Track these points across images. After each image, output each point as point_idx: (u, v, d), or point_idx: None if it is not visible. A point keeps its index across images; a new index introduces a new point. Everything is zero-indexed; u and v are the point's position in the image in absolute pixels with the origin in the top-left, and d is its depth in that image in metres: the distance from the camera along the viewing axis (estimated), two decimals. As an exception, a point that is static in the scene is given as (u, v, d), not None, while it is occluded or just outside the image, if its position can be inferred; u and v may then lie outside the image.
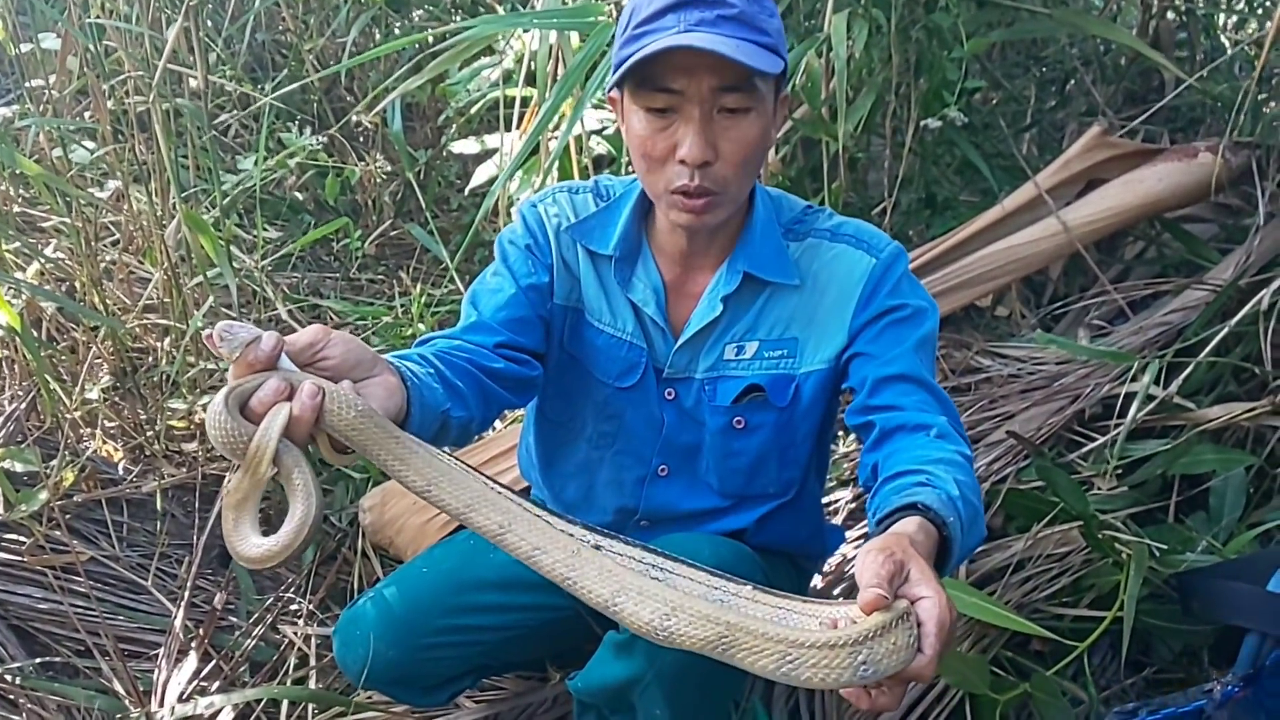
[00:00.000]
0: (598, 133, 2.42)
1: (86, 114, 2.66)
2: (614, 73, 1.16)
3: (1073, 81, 3.13)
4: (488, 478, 0.99)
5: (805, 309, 1.28)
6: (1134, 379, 2.10)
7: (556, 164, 2.14)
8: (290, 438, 0.90)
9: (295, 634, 1.86)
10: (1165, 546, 1.73)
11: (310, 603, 1.93)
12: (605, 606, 0.88)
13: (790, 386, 1.30)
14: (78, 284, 2.36)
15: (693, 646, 0.85)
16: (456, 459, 0.98)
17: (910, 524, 0.93)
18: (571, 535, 0.95)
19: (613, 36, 1.98)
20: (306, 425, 0.89)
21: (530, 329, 1.31)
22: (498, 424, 2.34)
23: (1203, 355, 2.08)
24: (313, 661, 1.82)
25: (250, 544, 0.90)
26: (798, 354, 1.29)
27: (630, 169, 1.39)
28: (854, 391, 1.25)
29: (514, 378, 1.26)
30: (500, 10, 2.94)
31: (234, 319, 0.94)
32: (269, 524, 0.92)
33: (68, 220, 2.29)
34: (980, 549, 1.88)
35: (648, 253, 1.31)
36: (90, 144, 2.49)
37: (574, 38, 2.14)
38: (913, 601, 0.83)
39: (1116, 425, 2.05)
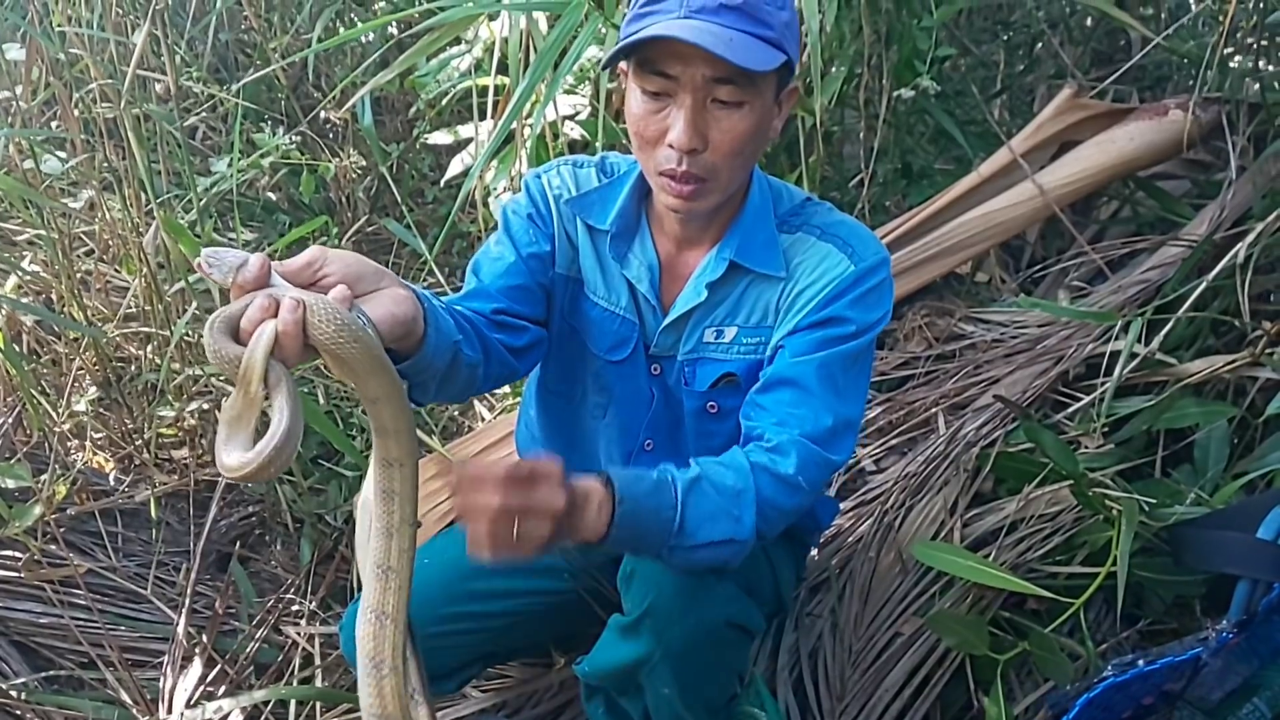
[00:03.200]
0: (571, 118, 2.41)
1: (54, 123, 2.63)
2: (615, 49, 1.16)
3: (1041, 44, 3.14)
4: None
5: (783, 299, 1.28)
6: (1116, 338, 2.13)
7: (531, 151, 2.13)
8: (282, 355, 0.89)
9: (298, 634, 1.87)
10: (1154, 501, 1.76)
11: (311, 602, 1.93)
12: (380, 570, 1.06)
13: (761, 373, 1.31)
14: (56, 296, 2.34)
15: None
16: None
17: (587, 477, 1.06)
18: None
19: (585, 17, 1.99)
20: (294, 339, 0.88)
21: (530, 297, 1.31)
22: (487, 414, 2.35)
23: (1182, 311, 2.11)
24: (317, 660, 1.82)
25: (233, 456, 0.90)
26: (770, 341, 1.29)
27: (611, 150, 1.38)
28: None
29: (511, 346, 1.27)
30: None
31: (224, 245, 0.95)
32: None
33: (42, 232, 2.27)
34: (972, 512, 1.91)
35: (646, 230, 1.31)
36: (61, 154, 2.46)
37: (543, 23, 2.13)
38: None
39: (1101, 384, 2.07)
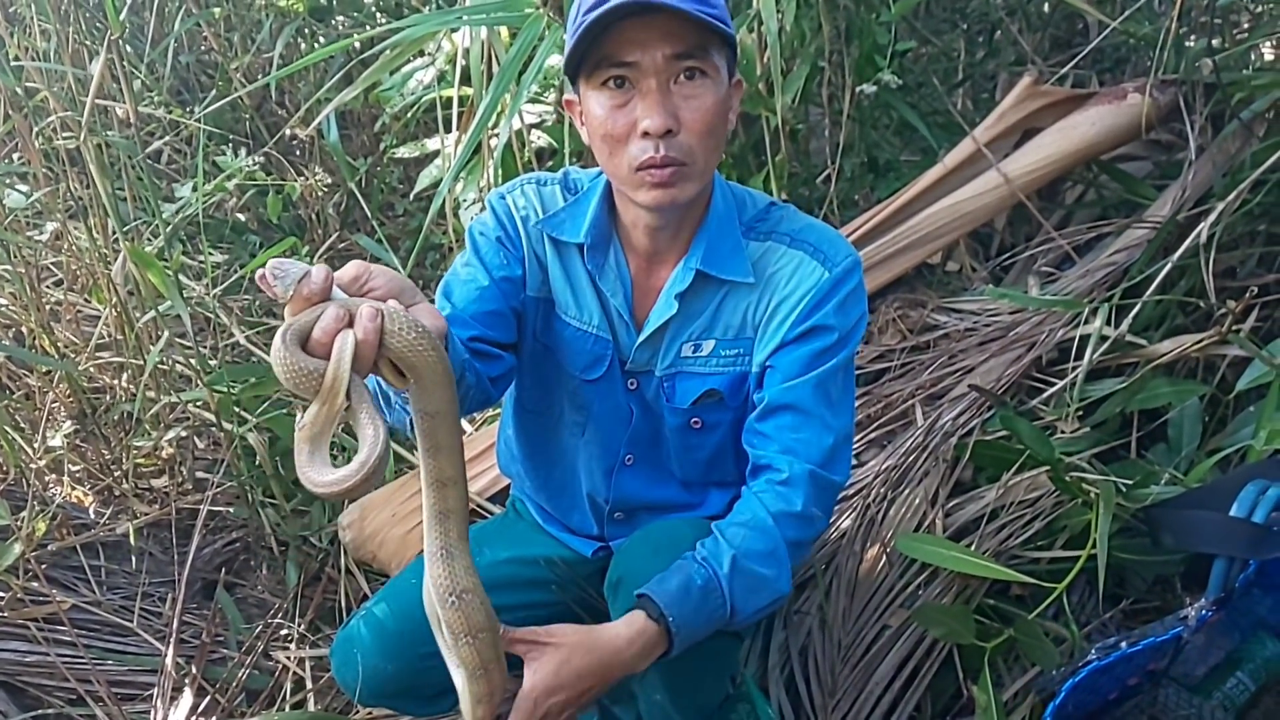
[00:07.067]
0: (537, 126, 2.41)
1: (15, 155, 2.61)
2: (566, 58, 1.16)
3: (999, 32, 3.17)
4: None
5: (759, 309, 1.29)
6: (1086, 322, 2.15)
7: (499, 161, 2.14)
8: (356, 364, 0.89)
9: (288, 658, 1.86)
10: (1130, 482, 1.78)
11: (300, 626, 1.93)
12: (451, 594, 1.03)
13: (744, 386, 1.32)
14: (25, 329, 2.32)
15: None
16: None
17: (630, 618, 1.14)
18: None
19: (546, 28, 1.99)
20: (371, 348, 0.89)
21: (503, 322, 1.31)
22: (468, 427, 2.34)
23: (1149, 294, 2.14)
24: (309, 684, 1.82)
25: (326, 474, 0.90)
26: (751, 353, 1.31)
27: (582, 162, 1.39)
28: (755, 404, 1.30)
29: (487, 372, 1.27)
30: (425, 11, 2.91)
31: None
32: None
33: (9, 266, 2.25)
34: (953, 502, 1.93)
35: (617, 245, 1.31)
36: (23, 187, 2.43)
37: (504, 33, 2.13)
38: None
39: (1074, 368, 2.10)
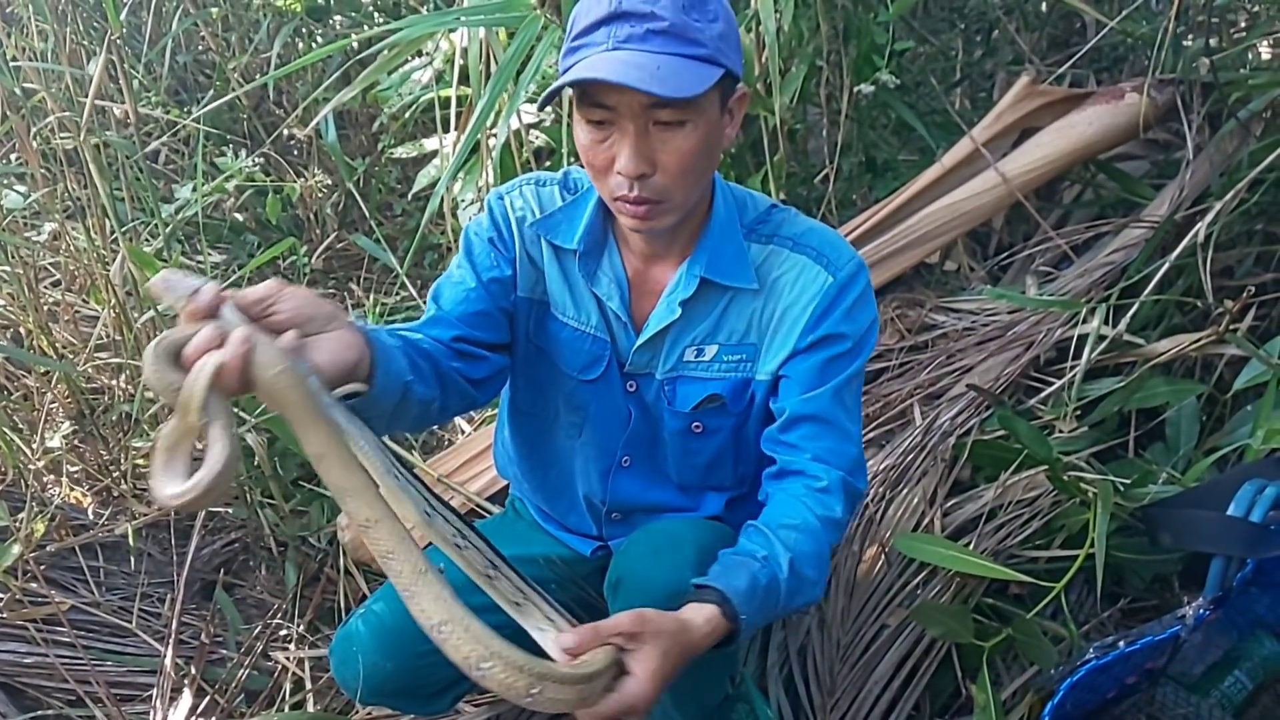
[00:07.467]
0: (535, 126, 2.42)
1: (13, 156, 2.60)
2: (549, 90, 1.16)
3: (997, 31, 3.17)
4: (411, 478, 1.04)
5: (763, 316, 1.29)
6: (1084, 321, 2.16)
7: (498, 161, 2.14)
8: (222, 387, 0.89)
9: (287, 659, 1.86)
10: (1128, 481, 1.79)
11: (299, 626, 1.93)
12: (431, 629, 0.93)
13: (748, 392, 1.32)
14: (24, 330, 2.32)
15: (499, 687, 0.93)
16: (391, 458, 1.01)
17: (706, 610, 1.08)
18: (423, 551, 0.96)
19: (543, 29, 1.99)
20: (232, 374, 0.88)
21: (491, 323, 1.32)
22: (467, 427, 2.35)
23: (1146, 293, 2.14)
24: (308, 684, 1.82)
25: (167, 487, 0.90)
26: (755, 359, 1.30)
27: (580, 161, 1.39)
28: (774, 415, 1.30)
29: (469, 377, 1.28)
30: (423, 12, 2.91)
31: (189, 271, 0.95)
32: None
33: (7, 267, 2.25)
34: (951, 501, 1.93)
35: (613, 246, 1.31)
36: (21, 188, 2.43)
37: (502, 32, 2.13)
38: (617, 676, 0.99)
39: (1072, 367, 2.10)
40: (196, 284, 0.91)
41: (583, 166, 1.23)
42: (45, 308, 2.37)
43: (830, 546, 1.24)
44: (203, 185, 2.53)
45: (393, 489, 1.00)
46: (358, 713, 1.71)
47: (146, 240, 2.61)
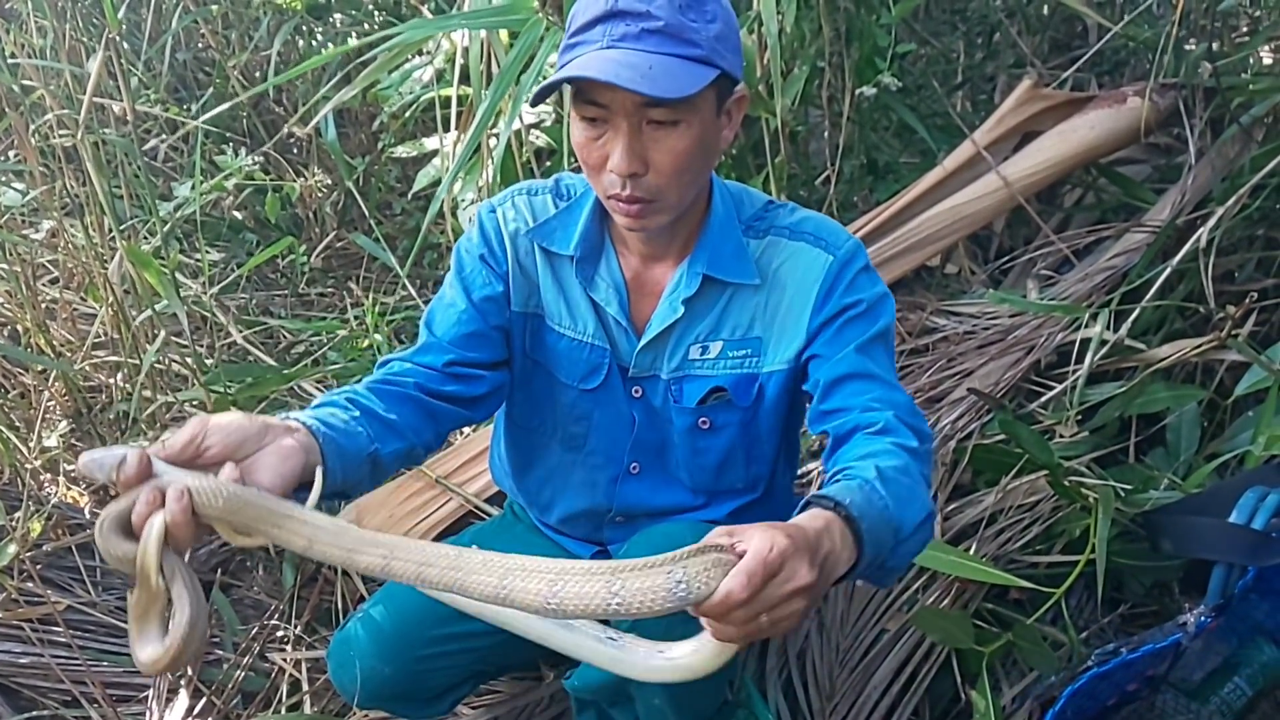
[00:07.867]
0: (536, 126, 2.41)
1: (11, 153, 2.60)
2: (543, 85, 1.15)
3: (999, 34, 3.17)
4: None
5: (767, 308, 1.28)
6: (1085, 326, 2.15)
7: (499, 162, 2.13)
8: (175, 542, 0.91)
9: (284, 660, 1.86)
10: (1129, 486, 1.79)
11: (296, 627, 1.92)
12: (496, 591, 0.88)
13: (754, 386, 1.31)
14: (21, 328, 2.31)
15: (579, 607, 0.85)
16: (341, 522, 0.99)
17: (816, 513, 0.94)
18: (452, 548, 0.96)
19: (546, 30, 1.98)
20: (184, 527, 0.90)
21: (484, 343, 1.32)
22: (466, 429, 2.34)
23: (1147, 298, 2.14)
24: (305, 686, 1.81)
25: (146, 651, 0.94)
26: (761, 353, 1.29)
27: (577, 164, 1.38)
28: (811, 395, 1.26)
29: (466, 397, 1.29)
30: (424, 10, 2.90)
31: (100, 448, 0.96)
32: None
33: (4, 265, 2.24)
34: (952, 505, 1.93)
35: (610, 250, 1.31)
36: (19, 185, 2.42)
37: (503, 33, 2.13)
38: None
39: (1073, 372, 2.10)
40: (120, 454, 0.92)
41: (576, 170, 1.22)
42: (43, 305, 2.36)
43: (920, 459, 1.11)
44: (202, 183, 2.53)
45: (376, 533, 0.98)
46: (355, 715, 1.70)
47: (145, 238, 2.61)
